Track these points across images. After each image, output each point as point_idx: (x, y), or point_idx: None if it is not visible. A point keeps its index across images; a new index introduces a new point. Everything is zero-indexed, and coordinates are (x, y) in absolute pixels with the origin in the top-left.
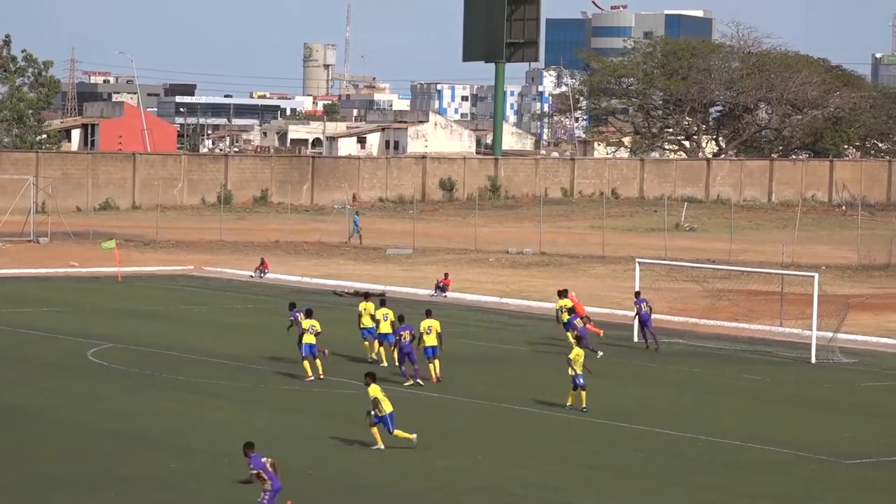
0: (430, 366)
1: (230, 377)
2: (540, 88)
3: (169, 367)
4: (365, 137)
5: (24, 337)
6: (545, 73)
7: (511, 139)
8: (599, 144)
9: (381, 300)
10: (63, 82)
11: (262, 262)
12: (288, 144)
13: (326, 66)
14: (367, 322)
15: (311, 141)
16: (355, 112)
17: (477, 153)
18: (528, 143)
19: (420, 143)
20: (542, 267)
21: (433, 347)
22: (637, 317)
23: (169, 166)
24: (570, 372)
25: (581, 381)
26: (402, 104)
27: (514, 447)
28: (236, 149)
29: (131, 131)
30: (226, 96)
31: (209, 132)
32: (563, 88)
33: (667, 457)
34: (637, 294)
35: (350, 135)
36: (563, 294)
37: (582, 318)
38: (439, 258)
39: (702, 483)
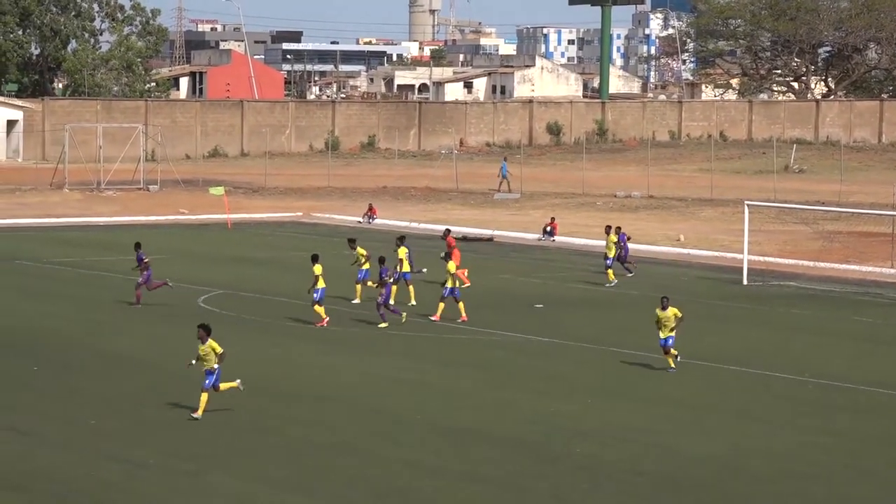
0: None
1: (338, 323)
2: (646, 31)
3: (278, 314)
4: (471, 82)
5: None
6: (651, 16)
7: (618, 82)
8: (707, 86)
9: (401, 237)
10: (171, 31)
11: (371, 208)
12: (394, 90)
13: (432, 12)
14: (406, 267)
15: (417, 86)
16: (461, 57)
17: (584, 97)
18: (635, 87)
19: (527, 88)
20: (650, 210)
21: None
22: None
23: (276, 113)
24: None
25: (670, 342)
26: (508, 49)
27: (622, 391)
28: (343, 95)
29: (239, 79)
30: (332, 43)
31: (316, 79)
32: (670, 31)
33: (776, 400)
34: (618, 229)
35: (456, 80)
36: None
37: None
38: (547, 202)
39: (811, 426)
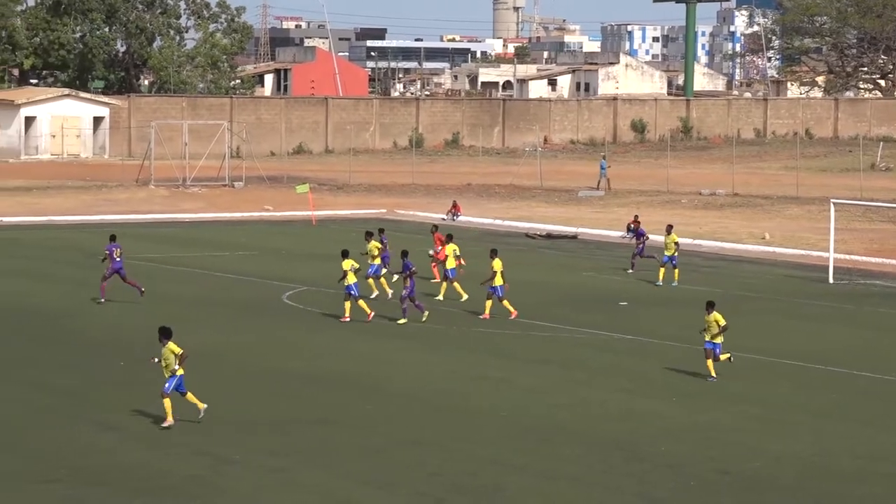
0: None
1: (420, 319)
2: (731, 28)
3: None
4: (556, 80)
5: (221, 281)
6: (737, 13)
7: (703, 80)
8: (792, 84)
9: (449, 235)
10: (256, 28)
11: (455, 205)
12: (479, 87)
13: (516, 9)
14: (450, 263)
15: (501, 84)
16: (546, 54)
17: (668, 94)
18: (719, 84)
19: (611, 85)
20: (735, 208)
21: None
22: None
23: (361, 110)
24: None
25: (710, 346)
26: (592, 46)
27: (708, 390)
28: (427, 92)
29: (323, 76)
30: (416, 40)
31: (400, 76)
32: (755, 28)
33: (864, 399)
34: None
35: (541, 77)
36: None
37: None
38: (631, 200)
39: None
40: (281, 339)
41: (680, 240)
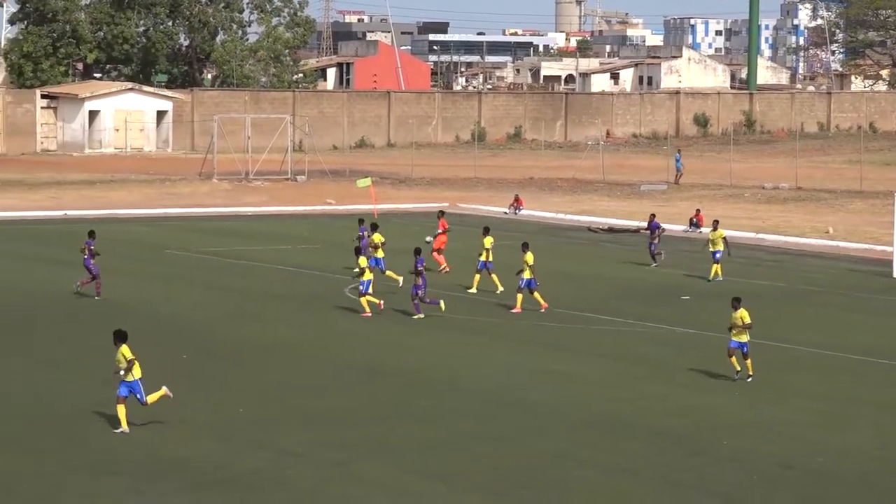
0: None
1: (484, 313)
2: (795, 21)
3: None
4: (618, 73)
5: (283, 274)
6: (800, 6)
7: (766, 73)
8: (856, 78)
9: (486, 227)
10: (318, 22)
11: (517, 199)
12: (541, 81)
13: (579, 2)
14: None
15: (563, 77)
16: (608, 48)
17: (731, 88)
18: (783, 77)
19: (673, 79)
20: (798, 202)
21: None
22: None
23: (423, 104)
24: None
25: (736, 346)
26: (655, 39)
27: (769, 384)
28: (489, 86)
29: (385, 70)
30: (478, 34)
31: (462, 70)
32: (819, 21)
33: None
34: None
35: (603, 71)
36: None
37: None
38: (693, 194)
39: None
40: (342, 333)
41: (743, 234)
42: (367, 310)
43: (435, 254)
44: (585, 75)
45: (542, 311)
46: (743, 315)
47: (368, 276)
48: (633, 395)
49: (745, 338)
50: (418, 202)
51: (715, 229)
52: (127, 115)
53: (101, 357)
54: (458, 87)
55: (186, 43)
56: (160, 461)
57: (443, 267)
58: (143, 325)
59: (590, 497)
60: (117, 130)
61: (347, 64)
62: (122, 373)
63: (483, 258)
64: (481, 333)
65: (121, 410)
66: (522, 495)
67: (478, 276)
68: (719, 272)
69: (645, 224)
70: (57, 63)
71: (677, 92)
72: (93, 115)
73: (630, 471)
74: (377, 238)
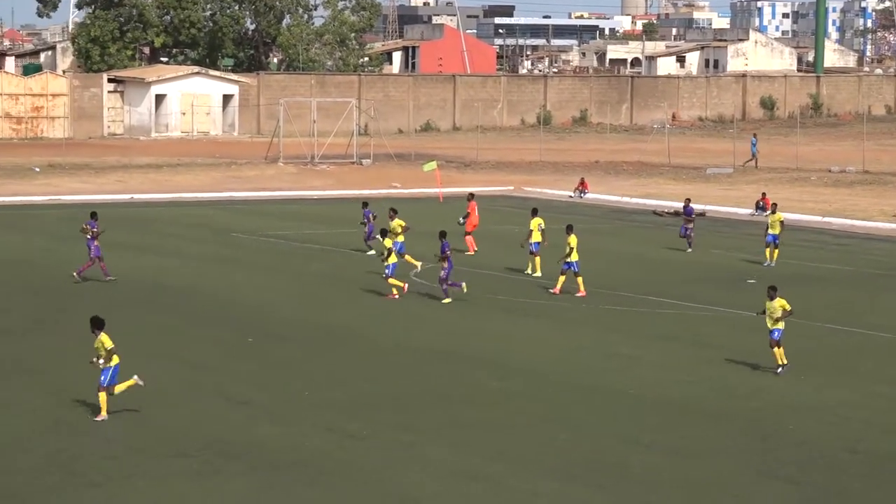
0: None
1: (551, 297)
2: (863, 4)
3: (489, 287)
4: (684, 56)
5: (350, 258)
6: None
7: (833, 56)
8: None
9: (534, 209)
10: (384, 5)
11: (582, 182)
12: (606, 64)
13: None
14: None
15: (629, 61)
16: (674, 31)
17: (798, 71)
18: (850, 60)
19: (740, 62)
20: (865, 185)
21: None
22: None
23: (488, 88)
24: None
25: (776, 336)
26: (721, 22)
27: (837, 368)
28: (555, 69)
29: (451, 53)
30: (544, 17)
31: (528, 53)
32: (887, 3)
33: None
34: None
35: (669, 54)
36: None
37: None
38: (759, 177)
39: None
40: (408, 316)
41: (809, 218)
42: (395, 292)
43: (467, 237)
44: (651, 58)
45: (579, 295)
46: (783, 304)
47: (394, 259)
48: (698, 378)
49: (780, 325)
50: (484, 186)
51: (773, 213)
52: (193, 99)
53: (158, 338)
54: (524, 71)
55: (253, 27)
56: (227, 443)
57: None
58: (209, 308)
59: (656, 481)
60: (184, 114)
61: (413, 47)
62: (100, 362)
63: (533, 240)
64: (551, 317)
65: (102, 398)
66: (590, 478)
67: (537, 259)
68: (774, 256)
69: (701, 208)
70: (124, 47)
71: (744, 75)
72: (159, 99)
73: (695, 454)
74: (397, 224)
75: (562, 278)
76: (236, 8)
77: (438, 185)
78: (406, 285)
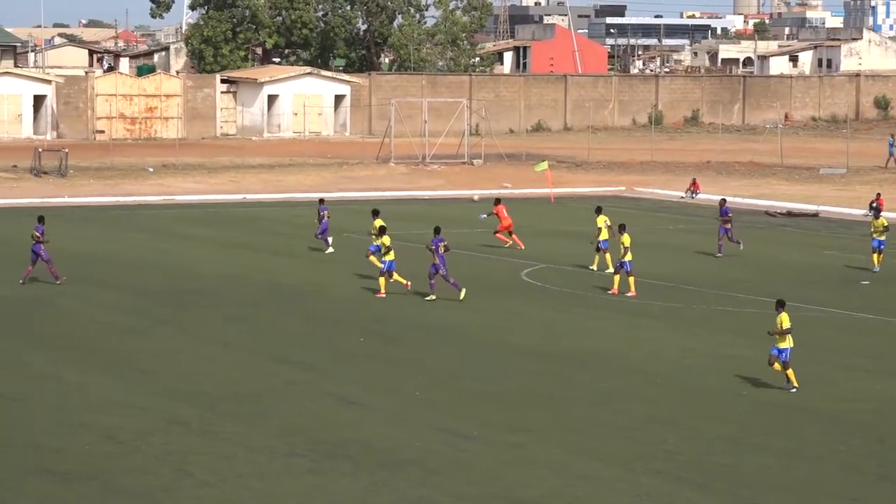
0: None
1: (661, 297)
2: None
3: (600, 287)
4: (797, 56)
5: (461, 257)
6: None
7: None
8: None
9: (599, 207)
10: (495, 5)
11: (694, 183)
12: (718, 64)
13: None
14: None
15: (741, 60)
16: (787, 30)
17: None
18: None
19: (853, 61)
20: None
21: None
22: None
23: (600, 87)
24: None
25: (775, 352)
26: (834, 21)
27: None
28: (667, 69)
29: (562, 53)
30: (656, 17)
31: (639, 53)
32: None
33: None
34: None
35: (781, 53)
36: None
37: None
38: (873, 178)
39: None
40: (519, 316)
41: None
42: (384, 291)
43: (499, 234)
44: (764, 58)
45: (629, 295)
46: (783, 319)
47: (391, 256)
48: (811, 380)
49: (785, 344)
50: (595, 186)
51: (877, 217)
52: (305, 100)
53: (272, 337)
54: (635, 71)
55: (364, 27)
56: (338, 443)
57: (508, 244)
58: (321, 308)
59: (767, 482)
60: (295, 115)
61: (524, 47)
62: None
63: (602, 238)
64: (660, 318)
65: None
66: (699, 480)
67: (608, 256)
68: (879, 261)
69: (814, 209)
70: (236, 48)
71: (857, 74)
72: (272, 99)
73: (807, 456)
74: (379, 224)
75: (616, 278)
76: (348, 8)
77: (549, 186)
78: (409, 283)
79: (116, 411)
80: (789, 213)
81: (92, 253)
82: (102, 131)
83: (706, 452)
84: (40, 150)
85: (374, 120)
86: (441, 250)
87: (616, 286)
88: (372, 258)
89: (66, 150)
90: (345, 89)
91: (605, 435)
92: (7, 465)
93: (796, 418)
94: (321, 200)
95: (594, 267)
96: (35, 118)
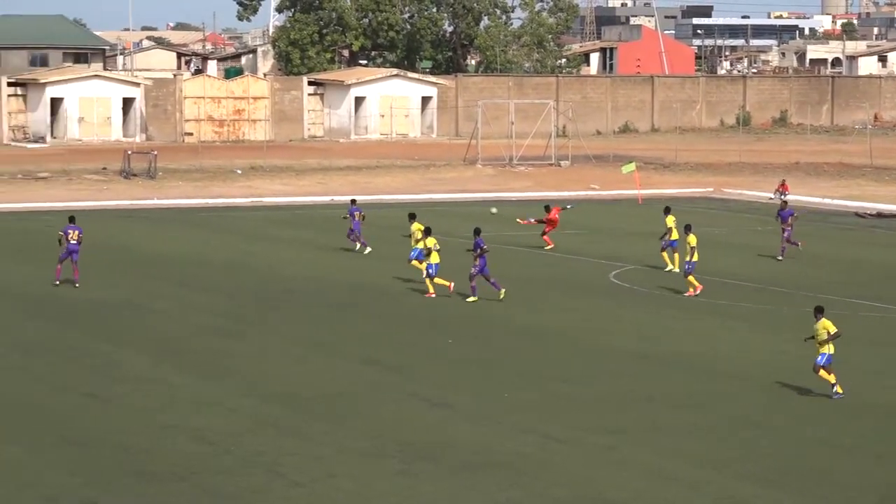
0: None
1: (751, 299)
2: None
3: (686, 289)
4: (886, 56)
5: (549, 259)
6: None
7: None
8: None
9: (667, 207)
10: (581, 7)
11: (783, 184)
12: (806, 64)
13: None
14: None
15: (829, 61)
16: (875, 30)
17: None
18: None
19: None
20: None
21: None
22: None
23: (687, 88)
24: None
25: (820, 361)
26: None
27: None
28: (754, 70)
29: (649, 54)
30: (743, 17)
31: (727, 53)
32: None
33: None
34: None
35: (870, 54)
36: None
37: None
38: None
39: None
40: (608, 318)
41: None
42: (432, 290)
43: (546, 237)
44: (852, 58)
45: (691, 294)
46: (826, 326)
47: (436, 258)
48: None
49: (827, 349)
50: (682, 187)
51: None
52: (392, 102)
53: (359, 339)
54: (723, 72)
55: (451, 29)
56: (426, 444)
57: (551, 246)
58: (407, 309)
59: (859, 485)
60: (382, 116)
61: (611, 49)
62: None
63: (670, 237)
64: (746, 319)
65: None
66: (791, 483)
67: (676, 255)
68: None
69: None
70: (323, 50)
71: None
72: (358, 101)
73: None
74: (416, 228)
75: (690, 278)
76: (434, 10)
77: (637, 187)
78: (452, 284)
79: (206, 412)
80: (879, 214)
81: (181, 255)
82: (191, 133)
83: (798, 455)
84: (130, 152)
85: (461, 122)
86: (481, 252)
87: (695, 287)
88: (414, 262)
89: (156, 153)
90: (431, 91)
91: (696, 437)
92: (100, 465)
93: (889, 421)
94: (353, 201)
95: (675, 269)
96: (124, 121)
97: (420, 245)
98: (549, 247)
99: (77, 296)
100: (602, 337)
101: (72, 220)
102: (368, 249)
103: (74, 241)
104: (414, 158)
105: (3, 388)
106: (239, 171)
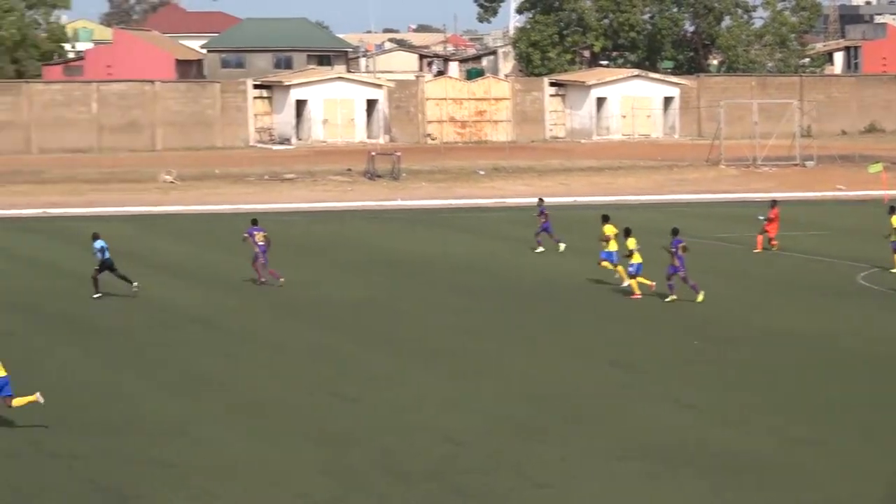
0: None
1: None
2: None
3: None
4: None
5: (793, 261)
6: None
7: None
8: None
9: (892, 207)
10: (824, 5)
11: None
12: None
13: None
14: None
15: None
16: None
17: None
18: None
19: None
20: None
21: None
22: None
23: None
24: None
25: None
26: None
27: None
28: None
29: (895, 53)
30: None
31: None
32: None
33: None
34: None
35: None
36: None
37: None
38: None
39: None
40: (860, 321)
41: None
42: (638, 292)
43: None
44: None
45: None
46: None
47: (638, 258)
48: None
49: None
50: None
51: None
52: (633, 102)
53: (600, 340)
54: None
55: (692, 29)
56: (672, 446)
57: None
58: (647, 311)
59: None
60: (624, 117)
61: (855, 47)
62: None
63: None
64: None
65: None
66: None
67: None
68: None
69: None
70: (564, 51)
71: None
72: (600, 102)
73: None
74: (608, 230)
75: None
76: (675, 10)
77: (884, 188)
78: (654, 284)
79: (452, 412)
80: None
81: (425, 255)
82: (434, 138)
83: None
84: (373, 153)
85: (703, 122)
86: (680, 251)
87: None
88: (604, 264)
89: (399, 154)
90: (673, 91)
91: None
92: (349, 463)
93: None
94: (541, 200)
95: None
96: (368, 122)
97: (611, 247)
98: (757, 250)
99: (321, 295)
100: (854, 340)
101: (254, 222)
102: (562, 246)
103: (262, 243)
104: (656, 159)
105: (255, 387)
106: (482, 172)
